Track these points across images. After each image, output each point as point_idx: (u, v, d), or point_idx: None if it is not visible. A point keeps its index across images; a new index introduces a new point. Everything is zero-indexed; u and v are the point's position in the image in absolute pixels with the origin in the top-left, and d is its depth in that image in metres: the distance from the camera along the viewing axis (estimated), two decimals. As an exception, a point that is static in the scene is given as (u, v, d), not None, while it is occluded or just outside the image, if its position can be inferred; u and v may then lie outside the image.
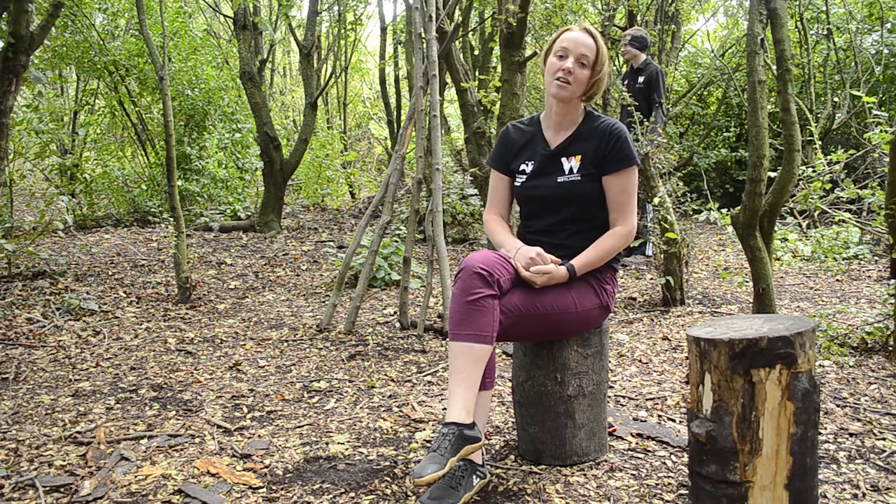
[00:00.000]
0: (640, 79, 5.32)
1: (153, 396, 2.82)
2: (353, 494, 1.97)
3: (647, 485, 1.99)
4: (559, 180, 2.11)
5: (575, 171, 2.09)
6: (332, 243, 6.62)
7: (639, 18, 7.12)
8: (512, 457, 2.22)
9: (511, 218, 2.37)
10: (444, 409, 2.65)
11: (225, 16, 9.41)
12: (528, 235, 2.18)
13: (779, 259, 4.72)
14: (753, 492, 1.59)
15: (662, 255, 4.21)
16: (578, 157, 2.10)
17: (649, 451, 2.22)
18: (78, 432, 2.41)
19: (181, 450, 2.29)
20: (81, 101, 8.53)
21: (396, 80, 10.29)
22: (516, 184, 2.21)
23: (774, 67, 3.99)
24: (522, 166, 2.20)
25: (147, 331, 3.82)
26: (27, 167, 8.01)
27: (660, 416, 2.53)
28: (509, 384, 2.61)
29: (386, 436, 2.40)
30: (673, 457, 2.18)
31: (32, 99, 7.20)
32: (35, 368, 3.15)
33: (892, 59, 7.32)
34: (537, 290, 2.02)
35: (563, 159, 2.13)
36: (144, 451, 2.26)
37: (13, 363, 3.20)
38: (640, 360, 3.22)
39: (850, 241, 5.63)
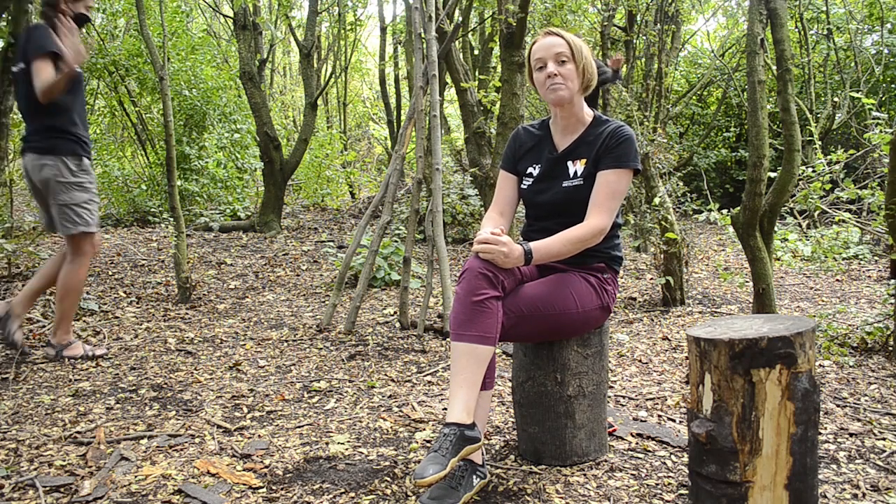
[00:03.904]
0: None
1: (153, 396, 2.82)
2: (353, 494, 1.97)
3: (647, 485, 1.99)
4: (564, 185, 2.10)
5: (579, 174, 2.09)
6: (332, 243, 6.62)
7: (639, 18, 7.12)
8: (512, 457, 2.22)
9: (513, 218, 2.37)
10: (445, 409, 2.65)
11: (225, 16, 9.40)
12: (532, 234, 2.18)
13: (779, 259, 4.72)
14: (753, 492, 1.59)
15: (662, 255, 4.21)
16: (583, 160, 2.10)
17: (649, 451, 2.22)
18: (78, 432, 2.41)
19: (181, 450, 2.29)
20: (81, 100, 8.52)
21: (396, 80, 10.30)
22: (523, 186, 2.21)
23: (774, 67, 3.99)
24: (529, 169, 2.20)
25: (147, 331, 3.82)
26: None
27: (660, 416, 2.53)
28: (509, 384, 2.61)
29: (386, 436, 2.40)
30: (673, 457, 2.18)
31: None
32: (35, 368, 3.15)
33: (892, 60, 7.33)
34: (539, 290, 2.02)
35: (569, 163, 2.12)
36: (144, 451, 2.26)
37: (13, 363, 3.19)
38: (640, 360, 3.22)
39: (850, 241, 5.63)
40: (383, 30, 10.09)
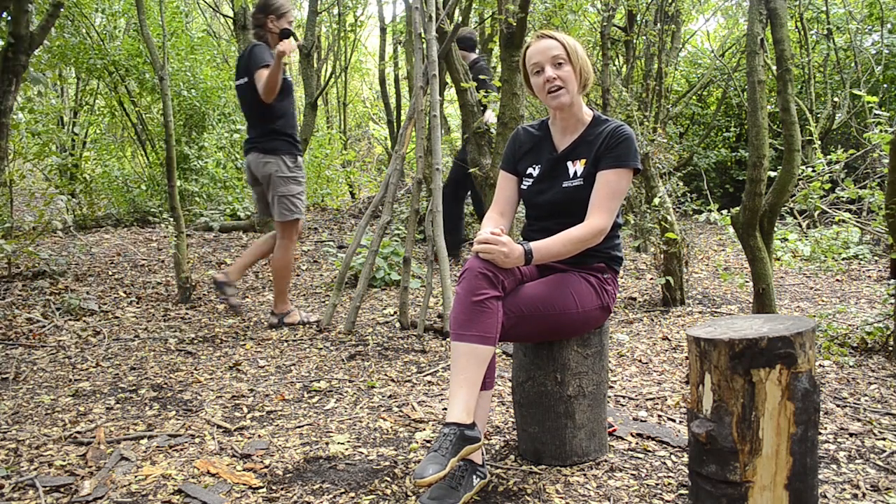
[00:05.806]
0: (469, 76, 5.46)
1: (153, 396, 2.82)
2: (353, 494, 1.97)
3: (647, 485, 1.99)
4: (564, 185, 2.10)
5: (579, 174, 2.09)
6: (332, 243, 6.62)
7: (638, 18, 7.12)
8: (512, 457, 2.22)
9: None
10: (445, 409, 2.65)
11: (225, 16, 9.40)
12: (532, 234, 2.18)
13: (779, 259, 4.72)
14: (753, 492, 1.59)
15: (662, 255, 4.21)
16: (583, 160, 2.10)
17: (649, 451, 2.22)
18: (78, 432, 2.41)
19: (181, 450, 2.29)
20: (81, 101, 8.52)
21: (396, 80, 10.28)
22: (523, 187, 2.21)
23: (774, 67, 4.00)
24: (529, 169, 2.20)
25: (147, 331, 3.82)
26: (27, 167, 8.01)
27: (660, 416, 2.53)
28: (509, 384, 2.61)
29: (386, 436, 2.40)
30: (673, 457, 2.18)
31: (27, 101, 7.18)
32: (35, 368, 3.15)
33: (892, 59, 7.33)
34: (539, 290, 2.02)
35: (569, 163, 2.12)
36: (144, 451, 2.26)
37: (13, 363, 3.19)
38: (640, 360, 3.22)
39: (850, 241, 5.63)
40: (383, 30, 10.07)
